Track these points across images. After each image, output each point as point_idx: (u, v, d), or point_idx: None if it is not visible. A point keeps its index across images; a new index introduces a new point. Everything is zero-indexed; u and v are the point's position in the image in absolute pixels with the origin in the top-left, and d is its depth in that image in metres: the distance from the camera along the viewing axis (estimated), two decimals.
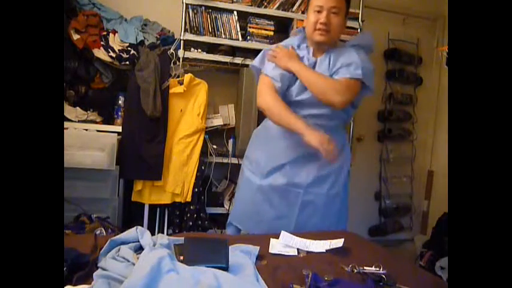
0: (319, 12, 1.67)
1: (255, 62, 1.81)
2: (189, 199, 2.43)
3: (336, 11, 1.66)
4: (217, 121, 2.60)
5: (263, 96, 1.67)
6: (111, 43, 2.36)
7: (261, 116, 2.20)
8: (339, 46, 1.76)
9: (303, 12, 2.58)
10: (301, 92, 1.68)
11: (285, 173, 1.74)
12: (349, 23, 2.71)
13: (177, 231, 2.43)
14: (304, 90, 1.67)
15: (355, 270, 1.17)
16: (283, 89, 1.67)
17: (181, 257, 1.11)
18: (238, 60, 2.57)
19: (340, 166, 1.76)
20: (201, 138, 2.47)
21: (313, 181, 1.73)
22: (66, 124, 2.26)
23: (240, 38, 2.56)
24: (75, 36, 2.28)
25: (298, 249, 1.36)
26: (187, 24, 2.45)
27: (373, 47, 1.80)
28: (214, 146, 2.55)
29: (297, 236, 1.41)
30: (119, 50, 2.36)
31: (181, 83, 2.40)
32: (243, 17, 2.58)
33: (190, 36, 2.45)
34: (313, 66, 1.72)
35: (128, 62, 2.37)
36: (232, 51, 2.61)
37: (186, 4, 2.43)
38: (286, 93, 1.70)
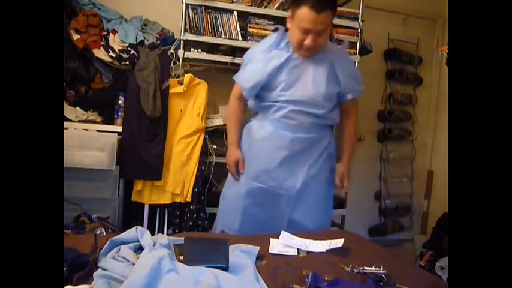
0: (305, 33, 1.59)
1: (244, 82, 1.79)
2: (189, 199, 2.43)
3: (322, 32, 1.60)
4: (218, 121, 2.59)
5: (230, 103, 1.89)
6: (111, 43, 2.36)
7: None
8: (329, 44, 1.74)
9: None
10: (294, 92, 1.69)
11: (276, 176, 1.74)
12: (349, 23, 2.71)
13: (177, 231, 2.43)
14: (297, 90, 1.68)
15: (355, 270, 1.17)
16: (250, 97, 1.80)
17: (181, 257, 1.11)
18: (238, 60, 2.56)
19: (320, 156, 1.78)
20: (201, 138, 2.46)
21: (304, 182, 1.75)
22: (66, 124, 2.26)
23: (240, 38, 2.55)
24: (75, 36, 2.28)
25: (298, 249, 1.36)
26: (187, 24, 2.45)
27: None
28: (214, 146, 2.54)
29: (297, 236, 1.42)
30: (119, 50, 2.35)
31: (181, 83, 2.40)
32: (243, 17, 2.58)
33: (190, 36, 2.44)
34: (301, 64, 1.70)
35: (128, 62, 2.37)
36: (232, 51, 2.60)
37: (186, 4, 2.43)
38: (272, 93, 1.72)
